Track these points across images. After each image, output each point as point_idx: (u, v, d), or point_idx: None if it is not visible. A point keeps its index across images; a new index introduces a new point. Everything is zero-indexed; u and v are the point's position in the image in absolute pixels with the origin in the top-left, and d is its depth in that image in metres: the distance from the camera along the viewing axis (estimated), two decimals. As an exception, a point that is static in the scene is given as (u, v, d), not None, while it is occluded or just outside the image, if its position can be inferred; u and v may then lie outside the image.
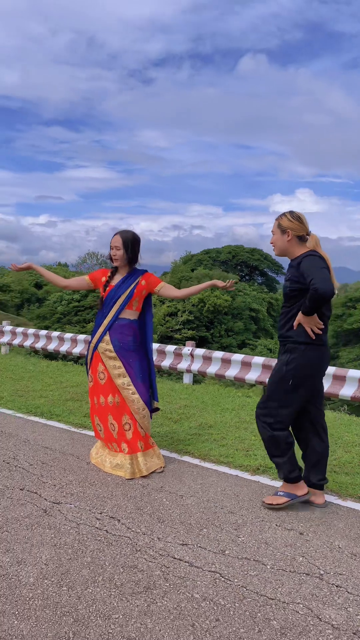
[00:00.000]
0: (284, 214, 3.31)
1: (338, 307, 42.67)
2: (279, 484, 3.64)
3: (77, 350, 9.10)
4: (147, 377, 3.90)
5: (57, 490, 3.35)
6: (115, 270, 3.84)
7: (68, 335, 9.36)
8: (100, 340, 3.79)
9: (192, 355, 7.73)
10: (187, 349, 7.78)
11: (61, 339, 9.46)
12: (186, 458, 4.10)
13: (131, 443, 3.73)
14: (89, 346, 3.88)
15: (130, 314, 3.82)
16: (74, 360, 10.45)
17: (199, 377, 8.24)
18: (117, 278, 3.82)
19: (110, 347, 3.77)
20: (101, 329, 3.79)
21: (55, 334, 9.55)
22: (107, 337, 3.78)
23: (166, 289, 3.87)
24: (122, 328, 3.80)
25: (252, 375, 7.05)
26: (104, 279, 3.83)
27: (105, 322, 3.78)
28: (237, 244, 55.26)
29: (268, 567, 2.57)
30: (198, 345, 36.76)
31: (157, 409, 3.98)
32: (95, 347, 3.81)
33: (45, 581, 2.37)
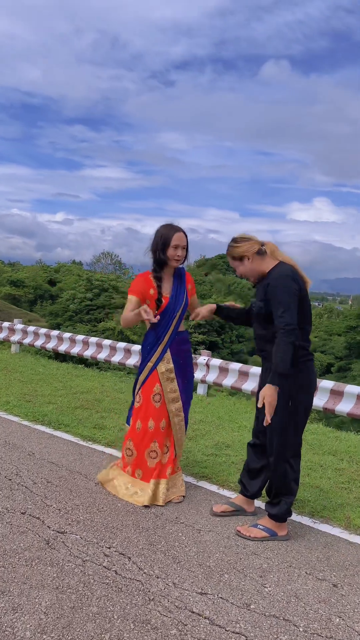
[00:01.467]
0: (229, 246, 3.10)
1: (352, 319, 42.10)
2: (306, 520, 3.29)
3: (89, 353, 8.80)
4: (190, 398, 3.59)
5: (62, 517, 3.04)
6: (159, 275, 3.37)
7: (80, 337, 9.07)
8: (160, 358, 3.40)
9: (207, 365, 7.39)
10: (203, 359, 7.45)
11: (72, 341, 9.18)
12: (203, 483, 3.76)
13: (164, 468, 3.40)
14: (143, 364, 3.43)
15: (183, 325, 3.49)
16: (85, 363, 10.17)
17: (212, 390, 7.90)
18: (167, 285, 3.40)
19: (171, 366, 3.40)
20: (161, 347, 3.39)
21: (67, 335, 9.26)
22: (167, 356, 3.40)
23: (194, 303, 3.56)
24: (181, 344, 3.46)
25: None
26: (152, 291, 3.34)
27: (166, 338, 3.38)
28: (252, 250, 54.68)
29: (300, 629, 2.23)
30: (209, 348, 36.53)
31: None
32: (155, 367, 3.40)
33: (44, 637, 2.04)
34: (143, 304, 3.33)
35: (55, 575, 2.45)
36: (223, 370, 7.28)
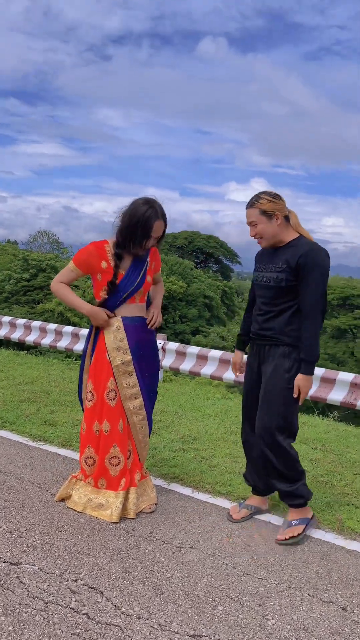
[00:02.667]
0: (260, 197, 2.68)
1: None
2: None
3: (31, 338, 8.12)
4: (155, 394, 3.11)
5: (14, 542, 2.51)
6: (119, 253, 2.83)
7: (21, 320, 8.35)
8: (95, 346, 2.91)
9: (164, 349, 6.93)
10: (158, 342, 6.95)
11: (13, 325, 8.45)
12: (175, 486, 3.32)
13: (131, 475, 2.92)
14: (88, 353, 2.92)
15: (142, 308, 2.98)
16: (27, 349, 9.45)
17: (169, 374, 7.48)
18: (126, 263, 2.88)
19: (129, 358, 2.88)
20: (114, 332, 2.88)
21: (6, 318, 8.51)
22: (124, 345, 2.86)
23: (159, 286, 3.09)
24: (142, 332, 2.95)
25: (230, 374, 6.34)
26: (104, 264, 2.81)
27: (118, 322, 2.87)
28: (193, 230, 54.55)
29: (319, 675, 1.85)
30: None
31: None
32: (93, 351, 2.93)
33: None
34: (92, 277, 2.87)
35: (11, 629, 1.94)
36: (180, 355, 6.85)
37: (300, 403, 2.70)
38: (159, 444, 4.08)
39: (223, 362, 6.49)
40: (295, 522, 2.79)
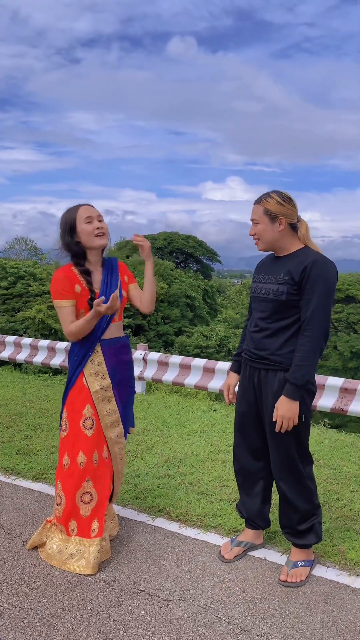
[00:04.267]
0: (269, 196, 2.40)
1: None
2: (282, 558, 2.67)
3: (6, 354, 7.75)
4: (132, 421, 2.84)
5: (-23, 608, 2.20)
6: (85, 268, 2.56)
7: (-5, 336, 7.96)
8: (82, 371, 2.59)
9: (145, 360, 6.63)
10: (139, 353, 6.67)
11: (-14, 341, 8.06)
12: (161, 522, 3.03)
13: (104, 514, 2.60)
14: (70, 381, 2.60)
15: (119, 327, 2.69)
16: (2, 364, 9.06)
17: (152, 384, 7.18)
18: (97, 278, 2.60)
19: (108, 382, 2.59)
20: (95, 357, 2.59)
21: (-21, 334, 8.11)
22: (102, 370, 2.58)
23: (137, 292, 2.79)
24: (119, 354, 2.67)
25: (215, 383, 6.07)
26: (78, 287, 2.52)
27: (97, 346, 2.57)
28: (171, 231, 54.29)
29: None
30: (135, 334, 35.73)
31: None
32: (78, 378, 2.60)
33: None
34: (77, 310, 2.53)
35: None
36: (162, 365, 6.55)
37: (278, 429, 2.36)
38: (142, 470, 3.78)
39: (207, 370, 6.22)
40: (301, 563, 2.52)
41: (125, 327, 34.00)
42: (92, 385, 2.56)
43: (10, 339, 7.79)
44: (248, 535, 2.73)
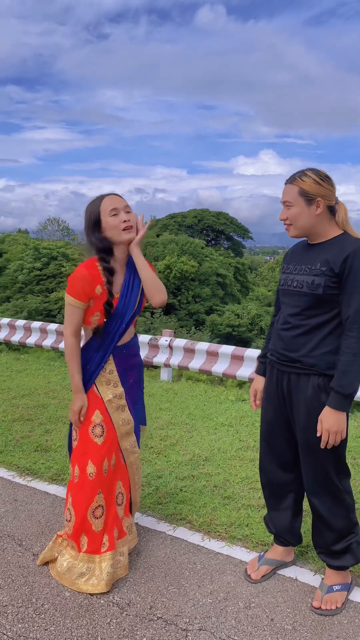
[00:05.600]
0: (304, 174, 2.06)
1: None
2: (317, 580, 2.40)
3: (32, 340, 7.64)
4: (143, 425, 2.63)
5: (-21, 636, 2.02)
6: (110, 267, 2.29)
7: (20, 322, 7.85)
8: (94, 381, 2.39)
9: (170, 347, 6.40)
10: (164, 340, 6.45)
11: (12, 327, 7.97)
12: (182, 532, 2.81)
13: (119, 527, 2.40)
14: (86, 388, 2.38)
15: (132, 329, 2.49)
16: (28, 351, 8.95)
17: (177, 373, 6.95)
18: (119, 279, 2.35)
19: (121, 390, 2.39)
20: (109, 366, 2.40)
21: (5, 320, 8.02)
22: (114, 377, 2.38)
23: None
24: (129, 357, 2.45)
25: (244, 372, 5.81)
26: (99, 289, 2.27)
27: (110, 355, 2.37)
28: (202, 208, 53.50)
29: None
30: (165, 313, 35.56)
31: None
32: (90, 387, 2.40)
33: None
34: (91, 311, 2.29)
35: None
36: (189, 352, 6.32)
37: (324, 445, 2.08)
38: (164, 470, 3.56)
39: (235, 357, 5.95)
40: (337, 587, 2.26)
41: (156, 307, 33.86)
42: (105, 394, 2.36)
43: (36, 324, 7.66)
44: (277, 552, 2.48)
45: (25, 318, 28.66)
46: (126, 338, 2.40)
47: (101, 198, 2.31)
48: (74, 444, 2.39)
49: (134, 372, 2.47)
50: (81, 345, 2.36)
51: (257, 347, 28.27)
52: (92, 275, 2.26)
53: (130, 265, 2.39)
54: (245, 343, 32.49)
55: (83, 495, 2.30)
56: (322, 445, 2.06)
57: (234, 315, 35.36)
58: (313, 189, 2.05)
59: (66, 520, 2.38)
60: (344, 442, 2.16)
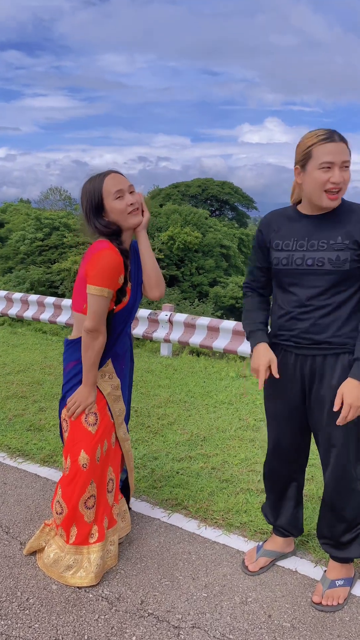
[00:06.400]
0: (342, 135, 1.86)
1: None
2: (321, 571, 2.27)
3: (29, 314, 7.48)
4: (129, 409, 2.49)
5: None
6: (126, 250, 2.09)
7: (17, 295, 7.68)
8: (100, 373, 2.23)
9: (170, 321, 6.24)
10: (164, 314, 6.27)
11: (9, 300, 7.81)
12: (177, 519, 2.68)
13: (109, 516, 2.27)
14: (75, 380, 2.21)
15: None
16: (29, 323, 8.81)
17: (176, 348, 6.80)
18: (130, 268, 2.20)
19: (118, 382, 2.25)
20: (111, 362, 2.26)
21: (2, 293, 7.86)
22: (109, 368, 2.22)
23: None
24: (128, 344, 2.33)
25: (245, 347, 5.64)
26: (121, 279, 2.06)
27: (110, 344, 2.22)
28: (206, 177, 52.63)
29: None
30: (169, 285, 35.28)
31: None
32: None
33: None
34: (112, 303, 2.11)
35: None
36: (189, 327, 6.15)
37: (343, 421, 1.89)
38: (161, 450, 3.43)
39: (237, 333, 5.78)
40: (340, 582, 2.13)
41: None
42: (104, 388, 2.20)
43: (33, 297, 7.49)
44: (277, 543, 2.35)
45: (28, 289, 28.49)
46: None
47: (102, 177, 2.06)
48: (65, 435, 2.25)
49: (126, 359, 2.31)
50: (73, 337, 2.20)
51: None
52: (120, 263, 2.03)
53: (134, 252, 2.20)
54: (248, 315, 32.35)
55: (75, 487, 2.16)
56: (341, 422, 1.89)
57: (237, 287, 35.11)
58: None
59: (56, 513, 2.25)
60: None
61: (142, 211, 2.14)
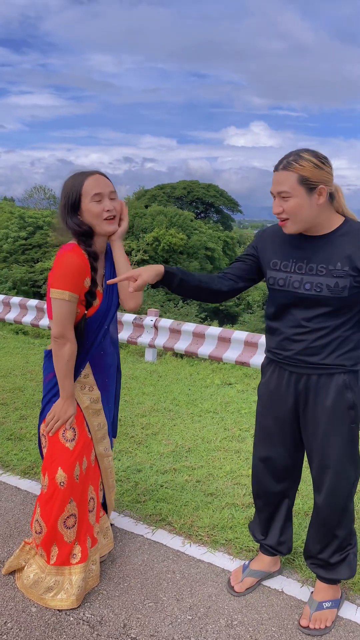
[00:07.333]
0: (301, 157, 1.77)
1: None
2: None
3: (11, 316, 7.35)
4: (116, 423, 2.43)
5: None
6: (94, 251, 2.02)
7: (-1, 296, 7.54)
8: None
9: (155, 327, 6.17)
10: (149, 319, 6.20)
11: (-9, 301, 7.66)
12: (161, 535, 2.62)
13: (90, 535, 2.20)
14: (51, 394, 2.13)
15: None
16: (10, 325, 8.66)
17: (160, 352, 6.74)
18: (101, 271, 2.10)
19: (98, 394, 2.17)
20: (87, 372, 2.15)
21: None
22: (90, 380, 2.14)
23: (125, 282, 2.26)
24: (108, 354, 2.20)
25: (231, 354, 5.60)
26: (88, 281, 2.00)
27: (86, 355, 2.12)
28: (192, 179, 52.66)
29: None
30: (153, 286, 35.57)
31: None
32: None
33: None
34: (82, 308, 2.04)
35: None
36: (174, 332, 6.09)
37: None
38: (145, 462, 3.37)
39: (222, 340, 5.74)
40: (327, 604, 2.09)
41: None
42: (82, 401, 2.13)
43: (15, 300, 7.37)
44: (264, 562, 2.30)
45: (10, 288, 28.18)
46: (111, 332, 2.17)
47: (85, 176, 2.00)
48: (44, 451, 2.17)
49: (109, 368, 2.23)
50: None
51: (244, 322, 28.17)
52: (84, 263, 1.98)
53: (109, 258, 2.13)
54: (232, 318, 32.38)
55: (53, 505, 2.08)
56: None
57: (221, 290, 35.17)
58: (314, 174, 1.76)
59: (35, 532, 2.17)
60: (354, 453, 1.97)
61: (121, 220, 2.08)
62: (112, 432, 2.37)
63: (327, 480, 1.98)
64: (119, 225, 2.08)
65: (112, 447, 2.34)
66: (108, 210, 1.99)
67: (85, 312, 2.04)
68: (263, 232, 2.06)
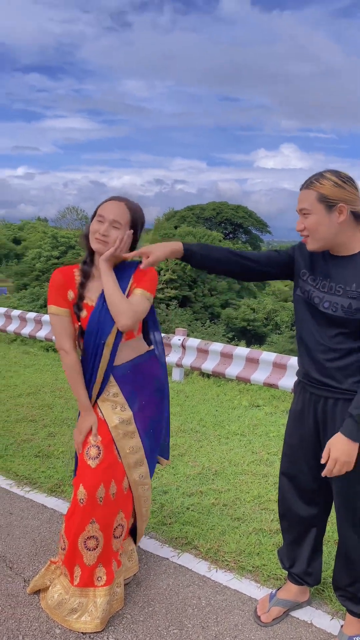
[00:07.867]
0: (323, 176, 1.79)
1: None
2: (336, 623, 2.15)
3: (42, 334, 7.46)
4: (157, 450, 2.38)
5: None
6: (87, 270, 2.12)
7: (31, 315, 7.67)
8: (96, 401, 2.16)
9: (183, 346, 6.17)
10: (177, 339, 6.21)
11: (22, 319, 7.80)
12: (187, 559, 2.58)
13: (115, 558, 2.18)
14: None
15: (136, 346, 2.21)
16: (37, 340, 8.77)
17: (189, 373, 6.72)
18: (97, 287, 2.12)
19: (129, 414, 2.15)
20: (96, 388, 2.13)
21: (16, 312, 7.86)
22: (120, 399, 2.15)
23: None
24: (138, 373, 2.19)
25: (259, 375, 5.55)
26: (71, 294, 2.10)
27: (99, 375, 2.11)
28: (221, 201, 53.06)
29: None
30: (181, 305, 35.33)
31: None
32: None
33: None
34: (75, 319, 2.09)
35: None
36: (202, 352, 6.08)
37: (329, 474, 1.83)
38: (171, 484, 3.34)
39: (250, 361, 5.70)
40: (357, 638, 2.02)
41: (171, 299, 33.75)
42: (110, 420, 2.12)
43: (46, 318, 7.48)
44: (291, 591, 2.24)
45: (42, 306, 28.68)
46: (128, 355, 2.15)
47: (109, 198, 2.12)
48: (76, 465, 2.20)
49: (146, 387, 2.23)
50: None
51: (271, 342, 27.83)
52: (66, 279, 2.10)
53: (120, 272, 2.16)
54: (260, 338, 32.13)
55: (73, 522, 2.08)
56: (324, 473, 1.83)
57: (249, 310, 35.09)
58: (334, 193, 1.77)
59: (61, 549, 2.17)
60: None
61: (117, 248, 2.04)
62: (164, 455, 2.38)
63: (345, 507, 1.93)
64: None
65: (151, 474, 2.30)
66: (101, 234, 2.03)
67: (79, 323, 2.09)
68: (302, 244, 2.07)
